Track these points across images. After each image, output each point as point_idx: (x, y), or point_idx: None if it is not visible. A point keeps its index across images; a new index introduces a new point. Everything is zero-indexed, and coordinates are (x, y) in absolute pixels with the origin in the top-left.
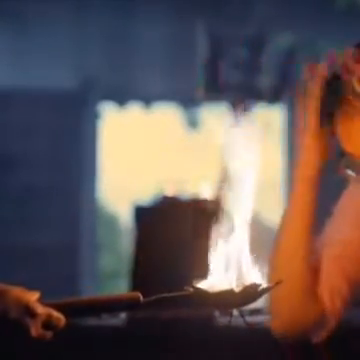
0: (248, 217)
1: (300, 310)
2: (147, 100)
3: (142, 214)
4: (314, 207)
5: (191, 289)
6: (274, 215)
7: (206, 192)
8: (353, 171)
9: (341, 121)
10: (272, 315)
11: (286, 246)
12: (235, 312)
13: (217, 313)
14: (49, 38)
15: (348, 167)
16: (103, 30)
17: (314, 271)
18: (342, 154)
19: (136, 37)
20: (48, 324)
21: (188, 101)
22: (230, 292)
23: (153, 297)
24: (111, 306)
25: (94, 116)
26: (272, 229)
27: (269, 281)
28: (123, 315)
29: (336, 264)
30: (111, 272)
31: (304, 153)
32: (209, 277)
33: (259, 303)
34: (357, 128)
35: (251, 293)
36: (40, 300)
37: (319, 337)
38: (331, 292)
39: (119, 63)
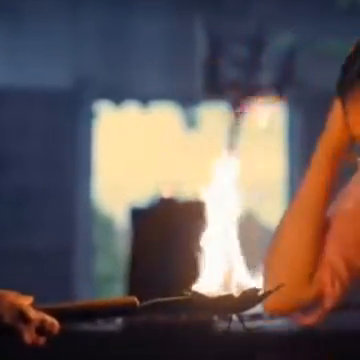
0: (243, 219)
1: (299, 290)
2: (144, 99)
3: (139, 216)
4: (329, 191)
5: (189, 293)
6: (275, 215)
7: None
8: None
9: (352, 109)
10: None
11: (294, 223)
12: (234, 317)
13: (216, 318)
14: (44, 36)
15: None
16: (99, 28)
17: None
18: (353, 142)
19: (133, 35)
20: (42, 329)
21: (186, 100)
22: (229, 297)
23: (150, 302)
24: (106, 311)
25: (90, 115)
26: (272, 230)
27: (267, 276)
28: (119, 320)
29: (339, 252)
30: (107, 275)
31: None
32: (207, 281)
33: (258, 308)
34: None
35: (250, 298)
36: (34, 305)
37: (313, 318)
38: (332, 275)
39: (115, 61)
